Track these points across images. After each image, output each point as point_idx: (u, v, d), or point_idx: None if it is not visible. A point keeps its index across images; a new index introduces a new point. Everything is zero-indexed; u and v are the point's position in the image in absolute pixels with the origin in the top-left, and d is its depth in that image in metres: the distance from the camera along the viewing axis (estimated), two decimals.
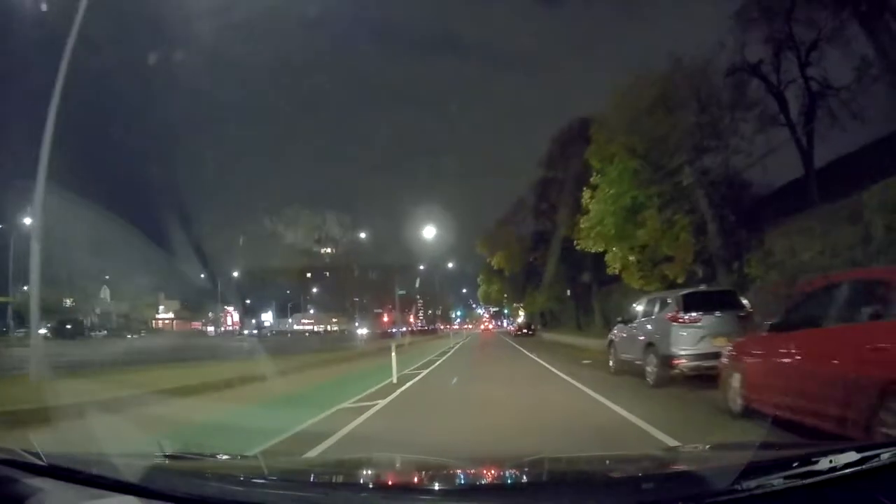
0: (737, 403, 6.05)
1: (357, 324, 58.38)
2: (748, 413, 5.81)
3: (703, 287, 11.09)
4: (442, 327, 79.45)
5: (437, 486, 1.80)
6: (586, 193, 17.29)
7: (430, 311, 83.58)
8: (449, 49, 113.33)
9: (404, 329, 61.02)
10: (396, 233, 39.15)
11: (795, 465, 1.46)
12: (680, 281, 14.55)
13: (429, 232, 35.77)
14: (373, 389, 10.12)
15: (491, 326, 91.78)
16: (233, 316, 78.09)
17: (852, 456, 1.45)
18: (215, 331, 62.43)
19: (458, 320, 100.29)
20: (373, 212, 74.37)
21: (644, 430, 5.76)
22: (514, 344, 30.40)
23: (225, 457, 2.34)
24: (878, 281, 4.50)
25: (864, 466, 1.43)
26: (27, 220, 22.96)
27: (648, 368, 9.44)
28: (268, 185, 79.39)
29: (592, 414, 7.07)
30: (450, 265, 56.83)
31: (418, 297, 77.71)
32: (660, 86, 14.88)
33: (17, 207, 29.71)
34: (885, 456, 1.45)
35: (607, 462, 2.41)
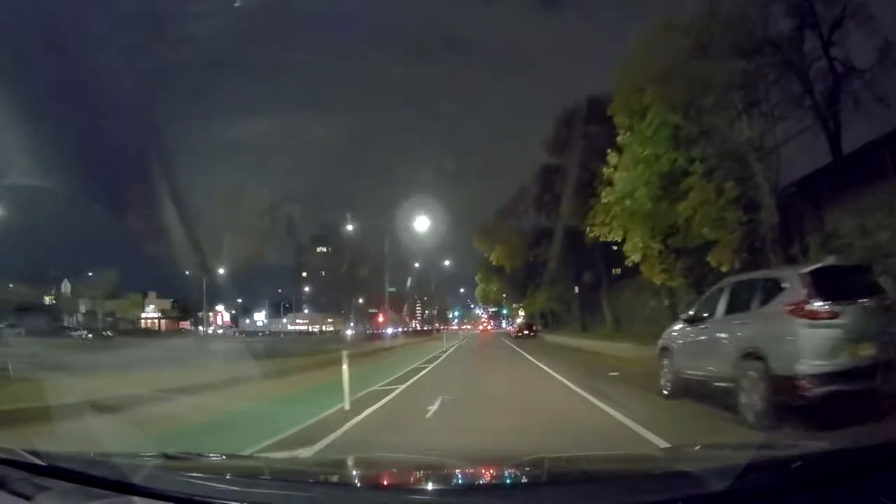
0: None
1: (351, 324, 55.89)
2: None
3: (831, 259, 7.41)
4: (438, 328, 76.93)
5: (436, 486, 1.77)
6: (612, 157, 14.01)
7: (427, 312, 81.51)
8: (448, 49, 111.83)
9: (400, 329, 58.51)
10: (391, 230, 36.32)
11: (795, 465, 1.49)
12: (725, 270, 11.64)
13: (421, 224, 32.71)
14: (298, 428, 6.49)
15: (489, 327, 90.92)
16: (223, 316, 75.83)
17: (852, 456, 1.53)
18: (203, 331, 59.60)
19: (457, 321, 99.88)
20: (367, 209, 73.01)
21: None
22: (515, 347, 27.45)
23: (224, 457, 2.31)
24: None
25: (863, 466, 1.43)
26: None
27: (745, 396, 6.08)
28: (264, 183, 77.38)
29: None
30: (446, 263, 54.56)
31: (415, 296, 75.57)
32: (696, 32, 12.17)
33: None
34: (885, 456, 1.49)
35: (607, 462, 2.41)
